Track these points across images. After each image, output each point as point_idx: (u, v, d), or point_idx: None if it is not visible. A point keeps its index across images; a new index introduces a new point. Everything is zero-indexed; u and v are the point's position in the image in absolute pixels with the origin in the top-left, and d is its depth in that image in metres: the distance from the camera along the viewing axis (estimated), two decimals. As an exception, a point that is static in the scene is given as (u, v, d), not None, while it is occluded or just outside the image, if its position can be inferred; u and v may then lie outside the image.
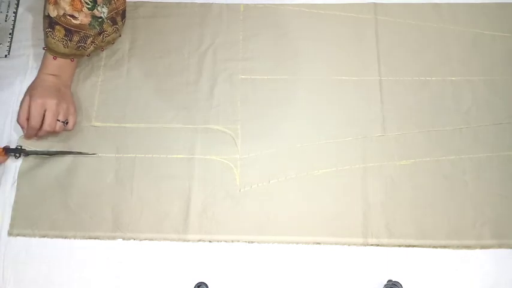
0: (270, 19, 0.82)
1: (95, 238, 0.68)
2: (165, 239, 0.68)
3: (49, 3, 0.68)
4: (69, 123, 0.72)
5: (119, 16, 0.76)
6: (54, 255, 0.67)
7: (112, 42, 0.78)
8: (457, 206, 0.70)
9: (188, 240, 0.67)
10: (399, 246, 0.67)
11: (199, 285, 0.64)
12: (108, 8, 0.72)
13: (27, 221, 0.68)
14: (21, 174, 0.71)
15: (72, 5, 0.67)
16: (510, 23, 0.82)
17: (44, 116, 0.70)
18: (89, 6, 0.69)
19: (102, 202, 0.69)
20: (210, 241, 0.68)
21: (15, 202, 0.69)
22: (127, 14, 0.78)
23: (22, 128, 0.72)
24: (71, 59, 0.73)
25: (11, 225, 0.68)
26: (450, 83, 0.78)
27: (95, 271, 0.66)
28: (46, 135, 0.72)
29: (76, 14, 0.68)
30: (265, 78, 0.78)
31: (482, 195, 0.70)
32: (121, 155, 0.72)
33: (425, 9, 0.83)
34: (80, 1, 0.68)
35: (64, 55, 0.72)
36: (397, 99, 0.76)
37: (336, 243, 0.67)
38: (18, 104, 0.75)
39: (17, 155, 0.71)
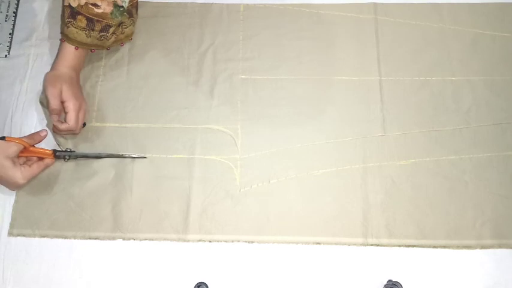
0: (270, 19, 0.82)
1: (95, 238, 0.68)
2: (165, 239, 0.68)
3: None
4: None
5: (134, 8, 0.76)
6: (54, 255, 0.67)
7: (130, 37, 0.78)
8: (457, 206, 0.70)
9: (188, 240, 0.67)
10: (399, 246, 0.67)
11: (199, 285, 0.64)
12: None
13: (27, 221, 0.68)
14: (21, 174, 0.71)
15: None
16: (510, 23, 0.82)
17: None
18: None
19: (102, 202, 0.69)
20: (210, 241, 0.68)
21: (15, 202, 0.69)
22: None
23: (54, 114, 0.70)
24: (92, 49, 0.73)
25: (11, 225, 0.68)
26: (450, 83, 0.78)
27: (95, 271, 0.66)
28: (66, 135, 0.72)
29: (98, 3, 0.68)
30: (265, 78, 0.78)
31: (482, 195, 0.70)
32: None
33: (425, 9, 0.83)
34: None
35: (86, 45, 0.72)
36: (397, 99, 0.76)
37: (336, 243, 0.67)
38: (18, 104, 0.75)
39: (67, 157, 0.70)
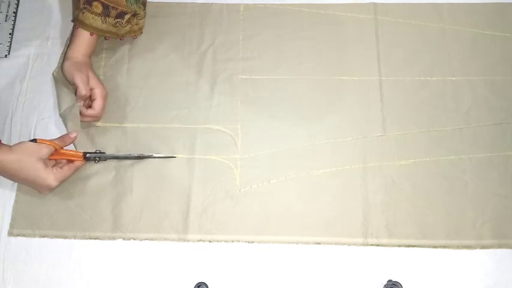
0: (270, 19, 0.82)
1: (95, 238, 0.68)
2: (165, 239, 0.68)
3: None
4: None
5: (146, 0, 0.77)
6: (54, 255, 0.67)
7: (141, 30, 0.79)
8: (457, 206, 0.69)
9: (188, 240, 0.67)
10: (399, 246, 0.67)
11: (199, 285, 0.64)
12: None
13: (27, 221, 0.68)
14: (21, 174, 0.71)
15: None
16: (510, 23, 0.82)
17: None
18: None
19: (102, 202, 0.69)
20: (210, 241, 0.68)
21: (15, 202, 0.69)
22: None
23: (81, 100, 0.71)
24: (106, 37, 0.74)
25: (11, 225, 0.68)
26: (450, 83, 0.78)
27: (95, 271, 0.66)
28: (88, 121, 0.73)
29: None
30: (265, 78, 0.78)
31: (482, 195, 0.70)
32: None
33: (425, 9, 0.83)
34: None
35: (101, 31, 0.72)
36: (397, 99, 0.76)
37: (336, 243, 0.67)
38: (18, 104, 0.75)
39: (97, 159, 0.70)
